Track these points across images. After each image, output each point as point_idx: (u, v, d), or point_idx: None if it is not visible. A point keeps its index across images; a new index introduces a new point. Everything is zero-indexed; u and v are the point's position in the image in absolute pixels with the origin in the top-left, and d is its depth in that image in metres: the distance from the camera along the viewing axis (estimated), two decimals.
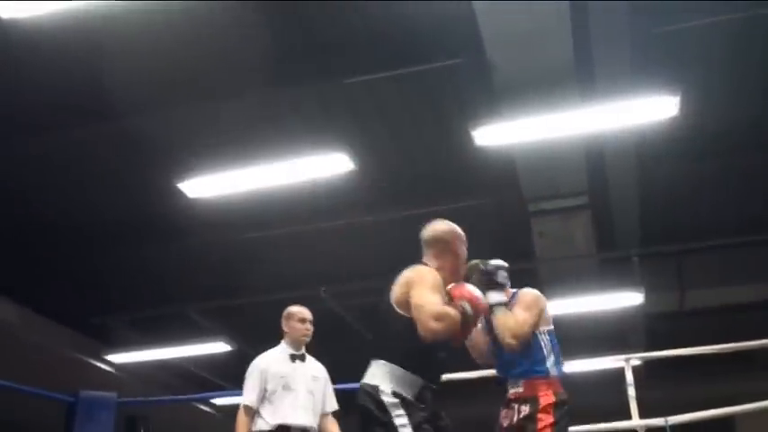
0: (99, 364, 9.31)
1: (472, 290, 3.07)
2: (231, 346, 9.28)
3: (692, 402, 5.22)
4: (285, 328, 4.41)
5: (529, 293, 3.48)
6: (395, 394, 2.80)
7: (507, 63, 4.95)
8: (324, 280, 8.03)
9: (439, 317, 2.78)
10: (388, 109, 5.83)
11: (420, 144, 6.13)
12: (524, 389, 3.39)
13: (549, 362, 3.46)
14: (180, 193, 5.88)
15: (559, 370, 3.51)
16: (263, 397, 4.18)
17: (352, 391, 3.23)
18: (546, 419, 3.34)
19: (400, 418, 2.76)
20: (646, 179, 6.28)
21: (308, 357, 4.40)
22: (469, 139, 5.23)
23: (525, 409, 3.38)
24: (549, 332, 3.53)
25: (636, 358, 5.27)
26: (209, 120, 5.89)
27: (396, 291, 2.96)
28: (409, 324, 2.82)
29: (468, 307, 2.92)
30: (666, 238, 7.28)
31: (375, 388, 2.82)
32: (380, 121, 5.94)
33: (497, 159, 5.79)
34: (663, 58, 5.20)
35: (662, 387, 8.73)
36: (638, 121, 5.15)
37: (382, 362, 2.88)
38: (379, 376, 2.86)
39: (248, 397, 4.17)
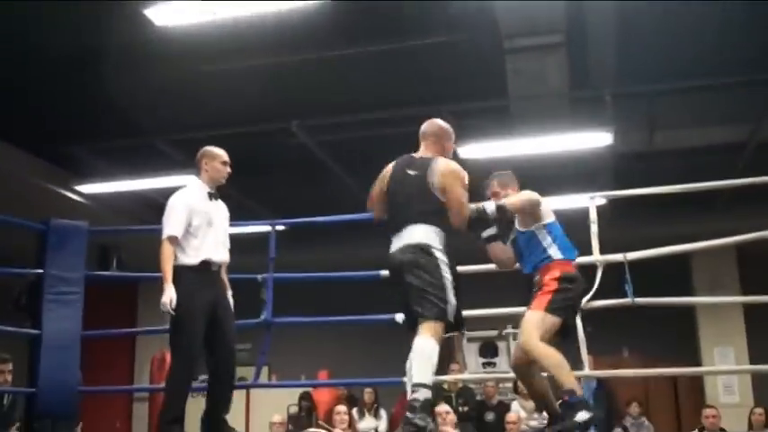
0: (69, 195, 9.32)
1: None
2: None
3: (653, 241, 5.37)
4: (205, 167, 4.55)
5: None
6: (442, 251, 3.68)
7: None
8: (296, 114, 7.97)
9: (465, 218, 3.74)
10: None
11: None
12: (537, 276, 3.95)
13: (552, 250, 3.92)
14: (148, 20, 5.70)
15: (567, 255, 3.94)
16: (188, 232, 4.32)
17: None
18: (548, 286, 3.85)
19: (446, 270, 3.67)
20: (624, 18, 6.17)
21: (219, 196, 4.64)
22: None
23: (535, 288, 3.93)
24: (548, 226, 3.98)
25: (600, 197, 5.38)
26: None
27: (439, 178, 3.75)
28: (443, 207, 3.73)
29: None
30: (640, 79, 7.25)
31: (429, 246, 3.67)
32: None
33: None
34: None
35: (626, 226, 8.98)
36: None
37: (432, 228, 3.71)
38: (431, 238, 3.69)
39: (175, 228, 4.30)
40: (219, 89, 7.53)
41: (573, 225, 6.37)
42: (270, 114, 7.93)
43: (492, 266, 5.14)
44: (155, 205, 10.07)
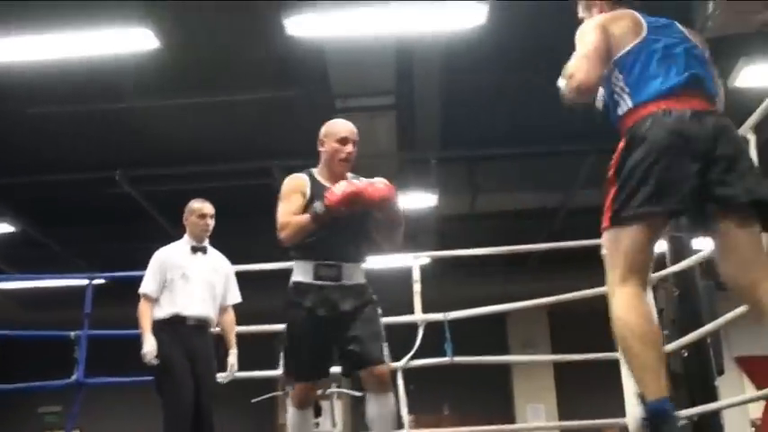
0: None
1: (336, 188, 3.22)
2: (15, 227, 8.79)
3: (472, 300, 5.57)
4: (185, 223, 4.49)
5: None
6: (291, 285, 3.33)
7: None
8: (120, 163, 7.71)
9: (281, 227, 3.26)
10: None
11: (231, 29, 5.92)
12: None
13: (620, 101, 2.50)
14: None
15: (638, 99, 2.44)
16: (163, 286, 4.30)
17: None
18: (609, 172, 2.43)
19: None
20: (449, 85, 6.46)
21: (211, 250, 4.51)
22: (281, 28, 5.13)
23: None
24: (619, 61, 2.51)
25: (424, 257, 5.52)
26: None
27: None
28: None
29: (318, 207, 3.20)
30: (463, 144, 7.58)
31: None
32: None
33: (308, 51, 5.73)
34: None
35: (447, 286, 9.26)
36: (446, 27, 5.25)
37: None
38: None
39: (147, 286, 4.30)
40: (38, 133, 7.17)
41: (397, 284, 6.55)
42: (93, 163, 7.63)
43: None
44: None
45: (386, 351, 3.30)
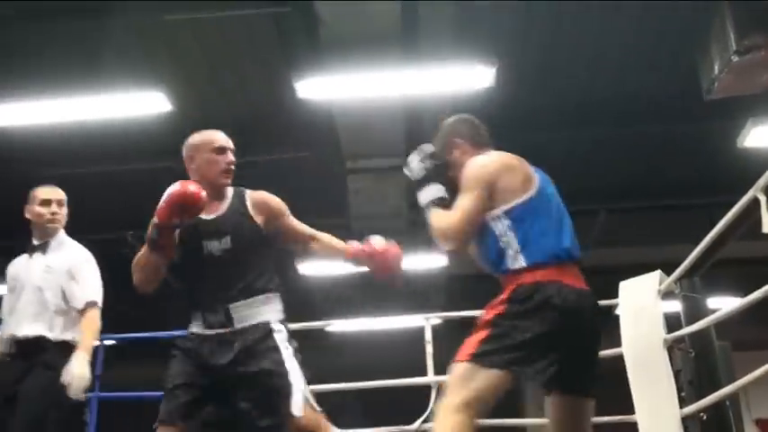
0: None
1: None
2: None
3: None
4: (28, 216, 3.50)
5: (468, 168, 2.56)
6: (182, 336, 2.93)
7: (335, 17, 4.93)
8: (133, 224, 7.73)
9: None
10: (210, 51, 5.66)
11: (242, 91, 6.01)
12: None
13: (510, 253, 2.50)
14: None
15: (533, 258, 2.45)
16: None
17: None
18: (485, 317, 2.49)
19: None
20: None
21: (59, 245, 3.50)
22: (292, 91, 5.19)
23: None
24: (509, 212, 2.52)
25: (435, 317, 5.48)
26: (17, 43, 5.47)
27: None
28: None
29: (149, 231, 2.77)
30: None
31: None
32: (202, 63, 5.77)
33: (319, 113, 5.79)
34: (484, 30, 5.36)
35: (459, 346, 9.16)
36: (454, 89, 5.31)
37: None
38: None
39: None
40: None
41: (408, 345, 6.50)
42: (105, 224, 7.67)
43: None
44: None
45: (295, 398, 2.67)
